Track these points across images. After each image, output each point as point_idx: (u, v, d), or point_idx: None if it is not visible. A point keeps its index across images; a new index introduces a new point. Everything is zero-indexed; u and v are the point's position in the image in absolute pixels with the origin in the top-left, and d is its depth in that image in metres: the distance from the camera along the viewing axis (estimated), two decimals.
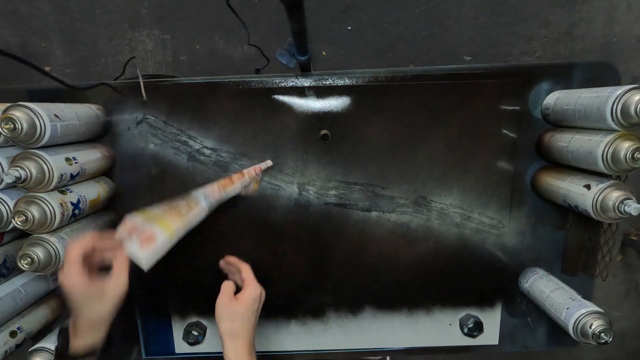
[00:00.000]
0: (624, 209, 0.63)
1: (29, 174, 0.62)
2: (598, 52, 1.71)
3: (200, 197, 0.76)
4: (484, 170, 0.84)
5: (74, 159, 0.70)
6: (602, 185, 0.65)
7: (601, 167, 0.63)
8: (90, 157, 0.75)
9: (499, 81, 0.81)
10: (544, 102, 0.80)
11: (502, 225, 0.86)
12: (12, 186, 0.70)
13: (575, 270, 0.87)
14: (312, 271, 0.89)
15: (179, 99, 0.82)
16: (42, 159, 0.64)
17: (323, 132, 0.82)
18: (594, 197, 0.65)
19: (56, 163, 0.65)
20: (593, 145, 0.65)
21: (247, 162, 0.84)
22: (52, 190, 0.67)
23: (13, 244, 0.77)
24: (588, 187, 0.67)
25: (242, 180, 0.80)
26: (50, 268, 0.67)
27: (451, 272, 0.89)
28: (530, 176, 0.84)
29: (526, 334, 0.93)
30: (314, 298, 0.91)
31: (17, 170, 0.61)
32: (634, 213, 0.62)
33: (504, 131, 0.83)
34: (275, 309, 0.91)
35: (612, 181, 0.66)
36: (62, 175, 0.66)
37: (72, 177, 0.70)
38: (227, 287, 0.75)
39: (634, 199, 0.64)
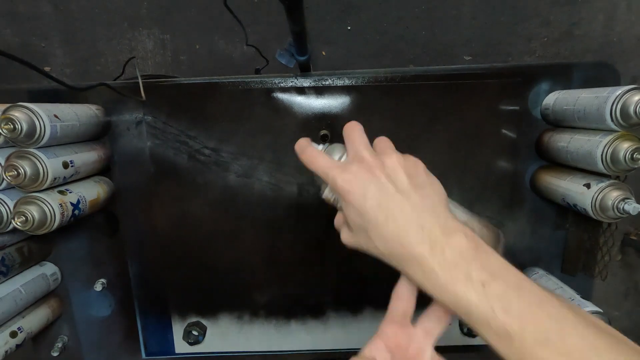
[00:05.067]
0: (623, 208, 0.63)
1: (23, 172, 0.62)
2: (598, 52, 1.71)
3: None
4: (484, 170, 0.84)
5: (71, 163, 0.70)
6: (601, 185, 0.65)
7: (600, 167, 0.63)
8: (87, 159, 0.75)
9: (499, 81, 0.81)
10: (544, 102, 0.80)
11: (502, 225, 0.86)
12: (11, 186, 0.70)
13: (575, 270, 0.87)
14: (311, 271, 0.89)
15: (178, 99, 0.82)
16: (36, 158, 0.63)
17: (323, 132, 0.82)
18: (593, 196, 0.66)
19: (52, 165, 0.65)
20: (592, 146, 0.65)
21: (247, 161, 0.84)
22: (45, 189, 0.66)
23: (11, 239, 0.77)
24: (588, 185, 0.67)
25: None
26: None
27: None
28: (530, 176, 0.84)
29: None
30: (314, 298, 0.91)
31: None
32: (633, 212, 0.62)
33: (504, 131, 0.83)
34: (275, 308, 0.91)
35: (611, 180, 0.66)
36: (55, 178, 0.66)
37: (65, 178, 0.70)
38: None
39: (633, 198, 0.64)
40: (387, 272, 0.96)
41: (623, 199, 0.64)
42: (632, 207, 0.62)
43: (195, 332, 0.90)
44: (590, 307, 0.72)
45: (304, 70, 0.80)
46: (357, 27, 1.71)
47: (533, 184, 0.83)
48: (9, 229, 0.69)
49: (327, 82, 0.81)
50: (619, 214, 0.64)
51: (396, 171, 0.39)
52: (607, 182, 0.66)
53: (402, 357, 0.40)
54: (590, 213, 0.67)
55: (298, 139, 0.48)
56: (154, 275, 0.90)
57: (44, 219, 0.64)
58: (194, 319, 0.92)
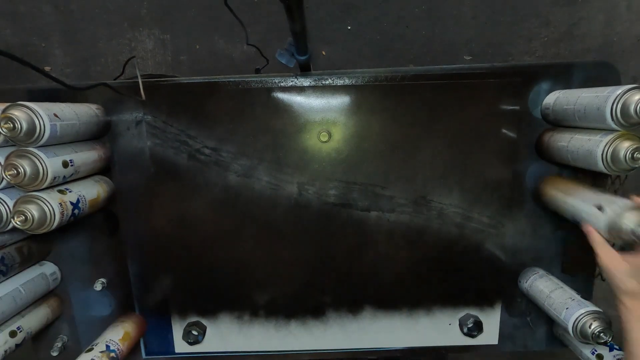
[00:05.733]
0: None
1: (22, 171, 0.62)
2: (598, 52, 1.70)
3: None
4: (484, 170, 0.84)
5: (71, 162, 0.70)
6: (615, 207, 0.62)
7: (601, 166, 0.63)
8: (87, 159, 0.75)
9: (499, 81, 0.81)
10: (544, 102, 0.80)
11: (502, 225, 0.86)
12: (11, 186, 0.70)
13: (575, 270, 0.87)
14: (311, 271, 0.89)
15: (179, 99, 0.82)
16: (36, 157, 0.63)
17: (323, 132, 0.82)
18: (607, 219, 0.63)
19: (52, 164, 0.65)
20: (593, 145, 0.64)
21: (247, 161, 0.84)
22: (45, 188, 0.66)
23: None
24: (600, 208, 0.65)
25: None
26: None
27: (451, 272, 0.89)
28: (530, 175, 0.84)
29: (526, 333, 0.92)
30: (314, 298, 0.91)
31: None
32: None
33: (504, 131, 0.83)
34: (275, 308, 0.91)
35: (626, 201, 0.62)
36: (55, 177, 0.66)
37: (65, 177, 0.70)
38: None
39: None
40: (387, 273, 0.96)
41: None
42: None
43: (195, 332, 0.90)
44: (590, 307, 0.71)
45: (304, 69, 0.80)
46: (357, 27, 1.71)
47: (537, 194, 0.83)
48: (8, 228, 0.69)
49: (327, 82, 0.81)
50: (633, 237, 0.60)
51: None
52: (622, 204, 0.62)
53: None
54: (606, 236, 0.64)
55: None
56: (154, 275, 0.90)
57: (44, 218, 0.64)
58: (194, 319, 0.92)
